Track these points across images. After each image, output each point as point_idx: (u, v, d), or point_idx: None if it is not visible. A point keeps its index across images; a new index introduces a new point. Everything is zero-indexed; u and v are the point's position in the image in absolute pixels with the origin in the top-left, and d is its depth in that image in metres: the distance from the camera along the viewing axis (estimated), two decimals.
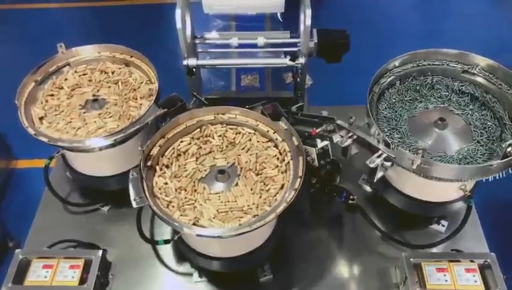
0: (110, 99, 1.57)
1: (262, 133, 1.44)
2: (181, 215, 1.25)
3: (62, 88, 1.60)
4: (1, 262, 2.46)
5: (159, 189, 1.30)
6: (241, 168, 1.36)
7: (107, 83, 1.62)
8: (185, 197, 1.29)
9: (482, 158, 1.35)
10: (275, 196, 1.30)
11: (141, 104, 1.55)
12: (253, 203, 1.28)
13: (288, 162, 1.35)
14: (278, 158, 1.38)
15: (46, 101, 1.56)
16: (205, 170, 1.35)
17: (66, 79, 1.62)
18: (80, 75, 1.64)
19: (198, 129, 1.44)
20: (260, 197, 1.30)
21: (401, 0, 4.45)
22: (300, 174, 1.29)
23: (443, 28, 4.10)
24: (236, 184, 1.33)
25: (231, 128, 1.46)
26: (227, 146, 1.42)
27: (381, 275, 1.47)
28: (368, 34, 3.74)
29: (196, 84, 1.74)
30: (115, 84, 1.62)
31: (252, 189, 1.32)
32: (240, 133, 1.45)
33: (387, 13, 4.21)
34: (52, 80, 1.61)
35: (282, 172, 1.35)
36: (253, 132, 1.45)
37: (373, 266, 1.49)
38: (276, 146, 1.41)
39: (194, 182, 1.33)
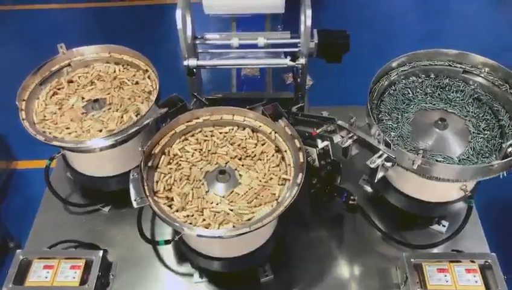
0: (104, 96, 1.57)
1: (221, 124, 1.46)
2: (223, 225, 1.24)
3: (49, 114, 1.53)
4: (2, 263, 2.46)
5: (186, 221, 1.25)
6: (229, 161, 1.37)
7: (83, 88, 1.61)
8: (211, 211, 1.27)
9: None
10: (282, 160, 1.36)
11: (137, 82, 1.60)
12: (267, 175, 1.33)
13: (275, 138, 1.39)
14: (251, 137, 1.43)
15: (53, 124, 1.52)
16: (203, 184, 1.33)
17: (45, 106, 1.55)
18: (51, 96, 1.58)
19: (163, 156, 1.38)
20: (269, 169, 1.35)
21: (401, 1, 4.46)
22: (301, 162, 1.30)
23: (443, 28, 4.10)
24: (240, 175, 1.34)
25: (191, 136, 1.43)
26: (200, 154, 1.40)
27: (381, 275, 1.47)
28: (368, 34, 3.75)
29: (196, 84, 1.74)
30: (91, 84, 1.62)
31: (257, 171, 1.34)
32: (203, 138, 1.43)
33: (388, 14, 4.22)
34: (34, 108, 1.55)
35: (263, 144, 1.41)
36: (211, 129, 1.45)
37: (373, 266, 1.49)
38: (243, 128, 1.44)
39: (204, 197, 1.31)
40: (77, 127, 1.48)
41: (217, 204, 1.29)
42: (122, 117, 1.50)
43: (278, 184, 1.31)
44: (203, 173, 1.36)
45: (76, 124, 1.49)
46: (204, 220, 1.25)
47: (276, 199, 1.29)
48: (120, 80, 1.62)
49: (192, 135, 1.44)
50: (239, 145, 1.41)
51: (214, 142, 1.42)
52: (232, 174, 1.34)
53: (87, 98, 1.57)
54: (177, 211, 1.27)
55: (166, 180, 1.33)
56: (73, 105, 1.55)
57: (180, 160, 1.39)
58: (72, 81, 1.64)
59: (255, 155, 1.39)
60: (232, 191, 1.31)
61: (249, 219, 1.24)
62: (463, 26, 4.02)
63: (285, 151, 1.37)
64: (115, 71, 1.65)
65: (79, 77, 1.65)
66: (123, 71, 1.66)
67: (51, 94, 1.59)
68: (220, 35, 1.74)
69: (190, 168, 1.37)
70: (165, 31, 3.91)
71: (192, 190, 1.32)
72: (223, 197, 1.30)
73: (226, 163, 1.38)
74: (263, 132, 1.43)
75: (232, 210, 1.26)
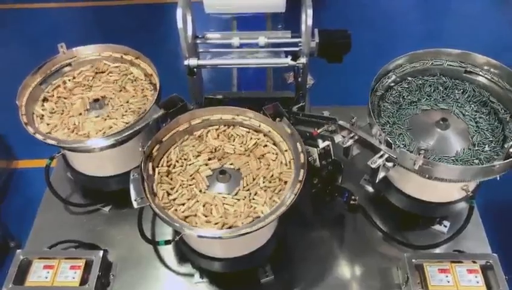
0: (98, 96, 1.57)
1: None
2: (274, 199, 1.28)
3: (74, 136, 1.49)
4: (2, 262, 2.46)
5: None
6: (209, 168, 1.36)
7: (65, 110, 1.55)
8: (252, 204, 1.27)
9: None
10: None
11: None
12: (246, 143, 1.39)
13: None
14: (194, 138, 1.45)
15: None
16: (220, 193, 1.30)
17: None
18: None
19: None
20: (242, 139, 1.41)
21: (402, 0, 4.45)
22: (302, 162, 1.30)
23: (444, 27, 4.10)
24: (231, 164, 1.35)
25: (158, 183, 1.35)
26: (182, 186, 1.34)
27: (382, 276, 1.47)
28: (369, 34, 3.75)
29: (197, 84, 1.74)
30: (83, 86, 1.62)
31: (234, 151, 1.37)
32: (169, 180, 1.36)
33: (389, 13, 4.21)
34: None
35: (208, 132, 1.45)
36: (162, 167, 1.39)
37: (375, 267, 1.49)
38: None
39: (236, 202, 1.29)
40: (111, 123, 1.48)
41: (250, 195, 1.29)
42: (134, 96, 1.56)
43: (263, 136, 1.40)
44: (207, 193, 1.31)
45: (105, 122, 1.49)
46: (260, 208, 1.26)
47: (281, 149, 1.37)
48: (109, 76, 1.64)
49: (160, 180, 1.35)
50: (193, 154, 1.39)
51: (179, 169, 1.37)
52: (227, 170, 1.34)
53: (82, 110, 1.54)
54: (223, 226, 1.24)
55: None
56: (79, 123, 1.50)
57: (173, 199, 1.30)
58: (49, 91, 1.58)
59: (216, 148, 1.41)
60: (243, 178, 1.32)
61: (279, 181, 1.31)
62: (464, 26, 4.02)
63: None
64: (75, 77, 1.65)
65: (64, 82, 1.62)
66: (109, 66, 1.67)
67: (49, 130, 1.50)
68: (220, 34, 1.73)
69: (195, 199, 1.29)
70: (165, 30, 3.91)
71: (223, 206, 1.28)
72: (244, 189, 1.30)
73: (210, 169, 1.36)
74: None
75: (266, 186, 1.30)
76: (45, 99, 1.57)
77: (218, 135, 1.44)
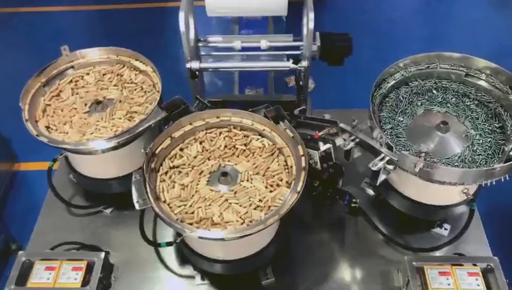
0: (101, 98, 1.58)
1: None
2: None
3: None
4: (4, 264, 2.46)
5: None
6: (223, 161, 1.38)
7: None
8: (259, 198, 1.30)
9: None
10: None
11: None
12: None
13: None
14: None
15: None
16: (215, 197, 1.31)
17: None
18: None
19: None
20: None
21: (403, 5, 4.46)
22: (303, 165, 1.30)
23: (446, 32, 4.10)
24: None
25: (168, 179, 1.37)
26: (182, 188, 1.34)
27: (383, 279, 1.47)
28: (370, 38, 3.76)
29: (199, 87, 1.75)
30: (86, 88, 1.63)
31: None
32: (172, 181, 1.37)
33: (390, 17, 4.22)
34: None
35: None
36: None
37: (375, 269, 1.49)
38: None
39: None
40: (113, 125, 1.49)
41: (251, 197, 1.30)
42: (136, 98, 1.56)
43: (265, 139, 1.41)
44: (209, 194, 1.31)
45: (107, 124, 1.50)
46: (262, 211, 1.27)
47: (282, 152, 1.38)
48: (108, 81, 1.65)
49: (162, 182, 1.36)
50: (195, 156, 1.40)
51: (181, 171, 1.37)
52: (228, 172, 1.34)
53: (84, 112, 1.54)
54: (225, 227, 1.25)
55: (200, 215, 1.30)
56: (82, 125, 1.51)
57: (175, 201, 1.30)
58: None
59: (217, 149, 1.41)
60: (245, 180, 1.33)
61: (281, 184, 1.32)
62: (466, 30, 4.03)
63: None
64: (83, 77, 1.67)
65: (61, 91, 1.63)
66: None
67: (52, 132, 1.51)
68: (222, 37, 1.74)
69: (197, 201, 1.30)
70: (168, 33, 3.93)
71: (225, 208, 1.28)
72: (245, 191, 1.31)
73: (212, 171, 1.37)
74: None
75: (267, 188, 1.31)
76: (48, 102, 1.58)
77: (220, 137, 1.45)
